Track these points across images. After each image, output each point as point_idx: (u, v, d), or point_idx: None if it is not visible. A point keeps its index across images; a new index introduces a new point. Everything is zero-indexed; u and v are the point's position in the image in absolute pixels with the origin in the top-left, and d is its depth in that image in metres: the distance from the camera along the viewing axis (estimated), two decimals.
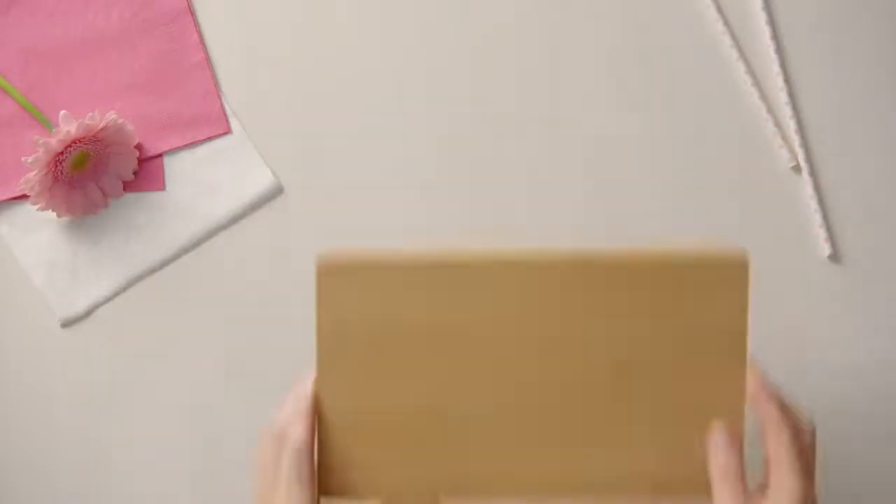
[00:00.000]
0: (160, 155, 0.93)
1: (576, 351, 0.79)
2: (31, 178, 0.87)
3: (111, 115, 0.88)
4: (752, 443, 0.81)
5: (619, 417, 0.79)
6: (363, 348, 0.80)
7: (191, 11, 0.93)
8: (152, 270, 0.93)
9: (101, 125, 0.88)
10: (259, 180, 0.93)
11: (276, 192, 0.93)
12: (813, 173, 0.93)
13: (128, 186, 0.93)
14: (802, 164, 0.92)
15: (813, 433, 0.67)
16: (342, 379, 0.79)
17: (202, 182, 0.93)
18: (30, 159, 0.86)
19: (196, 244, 0.93)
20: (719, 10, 0.93)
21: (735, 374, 0.75)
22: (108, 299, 0.92)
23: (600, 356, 0.78)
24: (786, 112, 0.93)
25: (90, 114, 0.88)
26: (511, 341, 0.80)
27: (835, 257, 0.92)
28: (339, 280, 0.78)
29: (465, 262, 0.80)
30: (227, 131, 0.93)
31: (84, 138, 0.88)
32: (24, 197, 0.92)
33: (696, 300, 0.76)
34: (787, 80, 0.93)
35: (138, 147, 0.92)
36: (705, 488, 0.76)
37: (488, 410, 0.80)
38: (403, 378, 0.80)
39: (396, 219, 0.92)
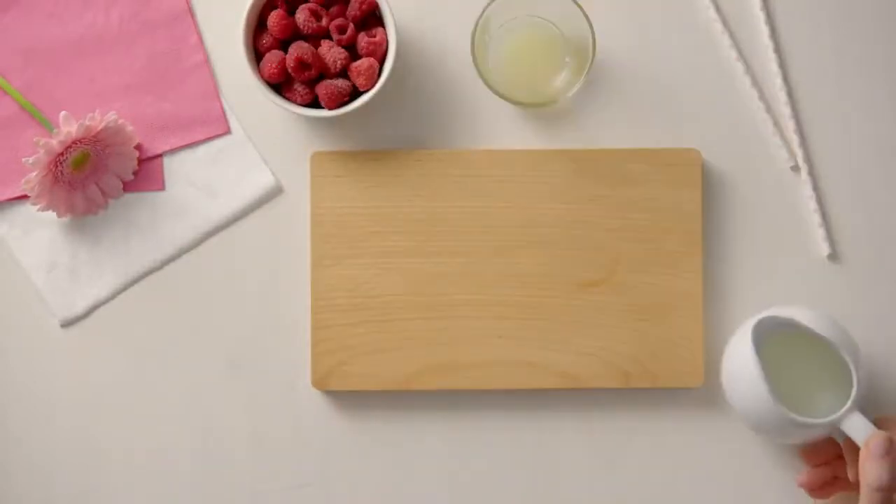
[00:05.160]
0: (160, 155, 0.93)
1: (548, 239, 0.89)
2: (32, 178, 0.87)
3: (111, 116, 0.89)
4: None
5: (587, 307, 0.90)
6: (350, 235, 0.89)
7: (190, 12, 0.93)
8: (152, 270, 0.93)
9: (100, 126, 0.88)
10: (259, 180, 0.93)
11: (275, 192, 0.93)
12: (812, 173, 0.93)
13: (127, 187, 0.93)
14: (802, 163, 0.92)
15: None
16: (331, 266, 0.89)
17: (202, 182, 0.93)
18: (30, 160, 0.86)
19: (196, 244, 0.93)
20: (718, 10, 0.93)
21: (692, 252, 0.90)
22: (108, 299, 0.92)
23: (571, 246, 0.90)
24: (785, 112, 0.93)
25: (90, 114, 0.88)
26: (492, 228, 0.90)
27: (834, 257, 0.92)
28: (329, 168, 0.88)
29: (443, 154, 0.90)
30: (227, 131, 0.93)
31: (84, 139, 0.88)
32: (24, 197, 0.92)
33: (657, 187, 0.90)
34: (786, 79, 0.93)
35: (138, 147, 0.92)
36: (669, 378, 0.89)
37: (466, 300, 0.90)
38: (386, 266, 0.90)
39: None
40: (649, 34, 0.93)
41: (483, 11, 0.87)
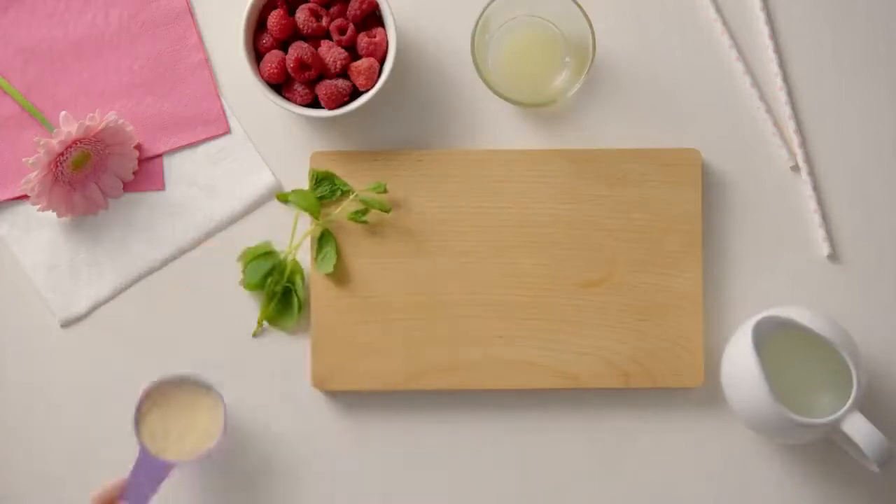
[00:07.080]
0: (160, 155, 0.93)
1: (549, 239, 0.90)
2: (32, 178, 0.87)
3: (111, 116, 0.89)
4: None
5: (587, 308, 0.90)
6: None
7: (190, 12, 0.93)
8: (152, 270, 0.93)
9: (101, 126, 0.88)
10: (259, 180, 0.93)
11: (275, 192, 0.93)
12: (812, 173, 0.93)
13: (127, 187, 0.93)
14: (801, 164, 0.93)
15: None
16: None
17: (202, 182, 0.93)
18: (30, 160, 0.86)
19: (196, 244, 0.93)
20: (718, 10, 0.93)
21: (692, 252, 0.90)
22: (108, 299, 0.92)
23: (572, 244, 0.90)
24: (785, 112, 0.93)
25: (90, 114, 0.88)
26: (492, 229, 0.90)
27: (834, 257, 0.93)
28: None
29: (443, 154, 0.90)
30: (227, 131, 0.93)
31: (84, 139, 0.88)
32: (24, 197, 0.92)
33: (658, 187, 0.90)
34: (786, 79, 0.93)
35: (138, 147, 0.92)
36: (669, 378, 0.89)
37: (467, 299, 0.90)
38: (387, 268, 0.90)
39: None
40: (649, 34, 0.93)
41: (483, 11, 0.87)
